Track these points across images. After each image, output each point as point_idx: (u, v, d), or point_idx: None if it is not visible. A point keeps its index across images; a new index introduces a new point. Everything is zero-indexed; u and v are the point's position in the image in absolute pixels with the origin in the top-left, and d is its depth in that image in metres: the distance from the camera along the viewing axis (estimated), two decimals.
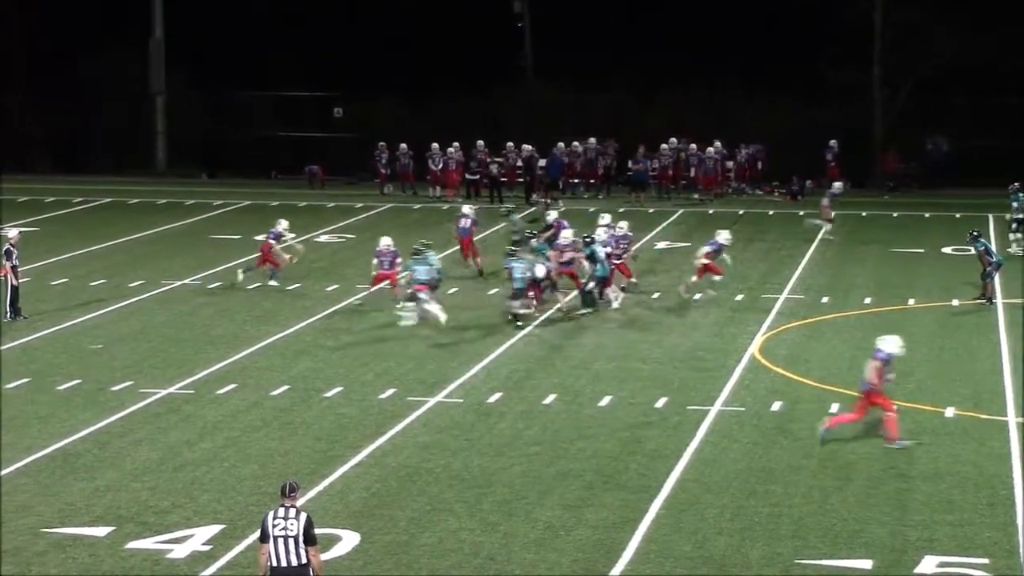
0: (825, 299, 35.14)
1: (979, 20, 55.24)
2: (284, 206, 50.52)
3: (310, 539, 15.74)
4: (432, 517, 20.42)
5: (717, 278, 35.10)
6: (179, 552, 19.13)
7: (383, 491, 21.57)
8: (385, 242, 34.16)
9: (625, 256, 35.68)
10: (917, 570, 18.61)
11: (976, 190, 52.81)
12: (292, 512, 15.80)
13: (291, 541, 15.70)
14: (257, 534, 16.28)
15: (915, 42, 56.44)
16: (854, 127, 56.89)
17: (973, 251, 35.11)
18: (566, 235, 34.61)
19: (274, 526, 15.76)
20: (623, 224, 36.35)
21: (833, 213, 44.48)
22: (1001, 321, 32.89)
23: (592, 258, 33.56)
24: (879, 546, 19.36)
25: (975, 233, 35.18)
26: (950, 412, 25.68)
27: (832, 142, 55.48)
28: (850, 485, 21.85)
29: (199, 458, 23.12)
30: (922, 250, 42.51)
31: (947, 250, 42.30)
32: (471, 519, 20.35)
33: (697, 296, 35.13)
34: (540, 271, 32.79)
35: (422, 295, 31.86)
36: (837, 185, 46.99)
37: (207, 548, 19.25)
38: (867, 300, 34.71)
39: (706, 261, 34.86)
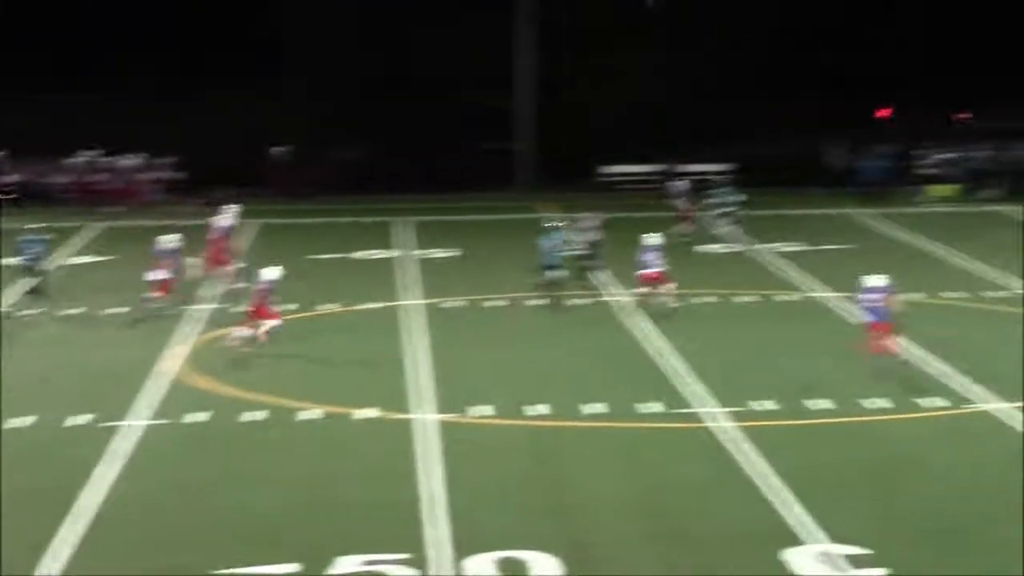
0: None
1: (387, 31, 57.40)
2: None
3: None
4: None
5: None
6: None
7: None
8: None
9: None
10: (341, 570, 19.06)
11: (383, 196, 54.92)
12: None
13: None
14: None
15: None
16: (261, 135, 57.33)
17: (549, 243, 34.85)
18: None
19: None
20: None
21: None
22: (419, 321, 34.08)
23: None
24: (304, 548, 19.69)
25: (555, 225, 36.00)
26: (363, 413, 26.42)
27: (275, 149, 56.16)
28: (270, 489, 22.31)
29: None
30: (338, 255, 43.57)
31: (358, 255, 43.55)
32: None
33: (153, 308, 34.74)
34: None
35: None
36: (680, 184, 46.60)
37: None
38: (291, 306, 34.76)
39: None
